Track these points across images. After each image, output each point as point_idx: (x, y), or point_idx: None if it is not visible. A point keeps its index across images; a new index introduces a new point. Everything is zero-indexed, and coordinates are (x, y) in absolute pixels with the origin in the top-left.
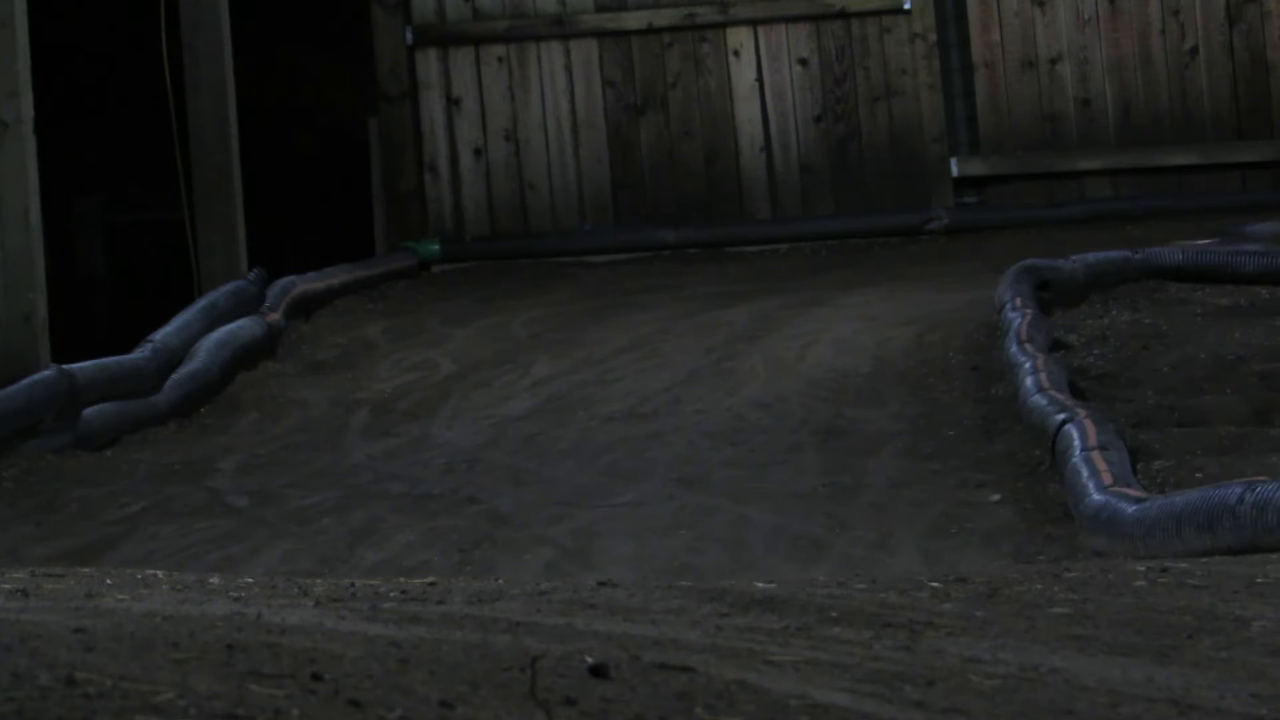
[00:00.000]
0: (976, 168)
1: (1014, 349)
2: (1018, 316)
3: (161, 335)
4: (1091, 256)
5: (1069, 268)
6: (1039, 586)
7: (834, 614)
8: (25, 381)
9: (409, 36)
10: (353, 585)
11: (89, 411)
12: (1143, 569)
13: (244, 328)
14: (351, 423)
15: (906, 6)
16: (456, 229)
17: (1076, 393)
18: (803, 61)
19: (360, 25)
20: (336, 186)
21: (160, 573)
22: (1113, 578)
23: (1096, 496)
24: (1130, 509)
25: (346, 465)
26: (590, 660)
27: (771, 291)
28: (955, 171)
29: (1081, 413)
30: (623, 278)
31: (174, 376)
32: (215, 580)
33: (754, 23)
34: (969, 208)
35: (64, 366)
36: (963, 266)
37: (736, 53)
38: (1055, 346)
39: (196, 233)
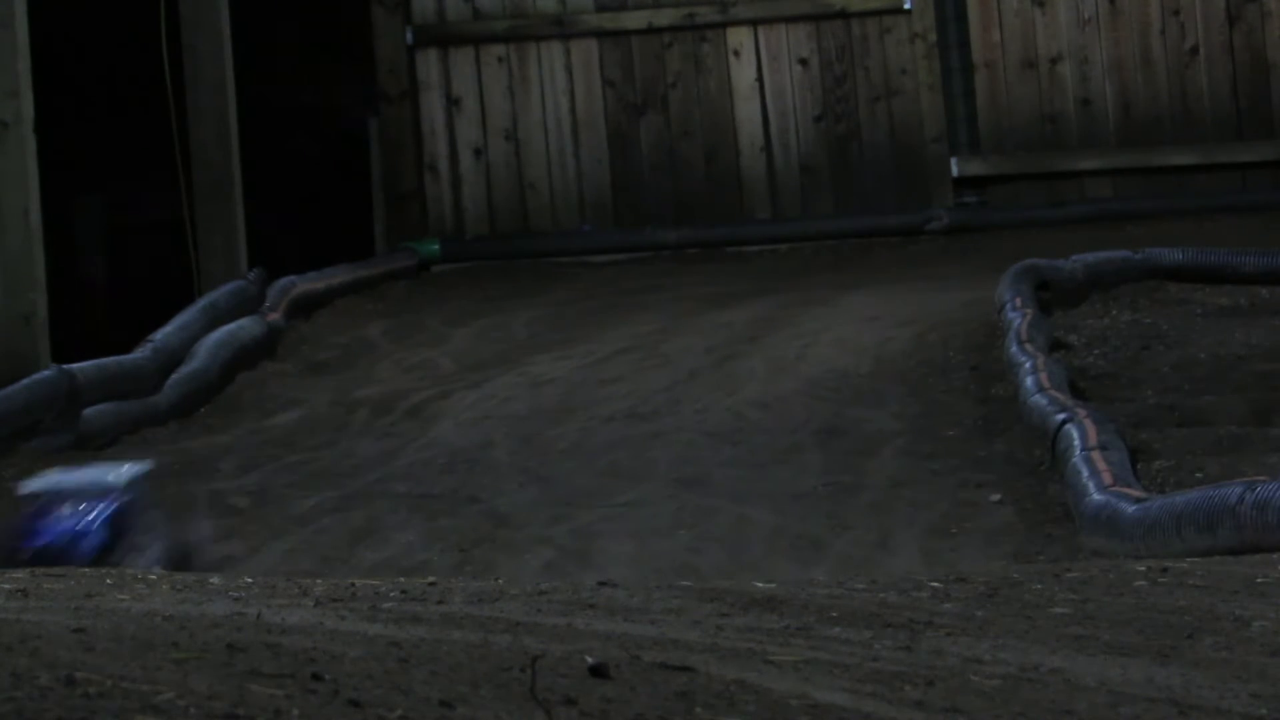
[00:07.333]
0: (977, 168)
1: (1014, 349)
2: (1018, 316)
3: (161, 335)
4: (1091, 256)
5: (1069, 268)
6: (1039, 586)
7: (834, 614)
8: (25, 381)
9: (409, 36)
10: (353, 585)
11: (89, 411)
12: (1143, 569)
13: (244, 328)
14: (351, 423)
15: (906, 6)
16: (456, 229)
17: (1076, 393)
18: (803, 61)
19: (360, 25)
20: (336, 187)
21: (160, 573)
22: (1113, 578)
23: (1097, 496)
24: (1130, 509)
25: (346, 465)
26: (590, 660)
27: (771, 291)
28: (955, 171)
29: (1081, 413)
30: (623, 278)
31: (174, 376)
32: (215, 580)
33: (754, 23)
34: (969, 208)
35: (64, 366)
36: (963, 266)
37: (736, 53)
38: (1055, 346)
39: (196, 233)
